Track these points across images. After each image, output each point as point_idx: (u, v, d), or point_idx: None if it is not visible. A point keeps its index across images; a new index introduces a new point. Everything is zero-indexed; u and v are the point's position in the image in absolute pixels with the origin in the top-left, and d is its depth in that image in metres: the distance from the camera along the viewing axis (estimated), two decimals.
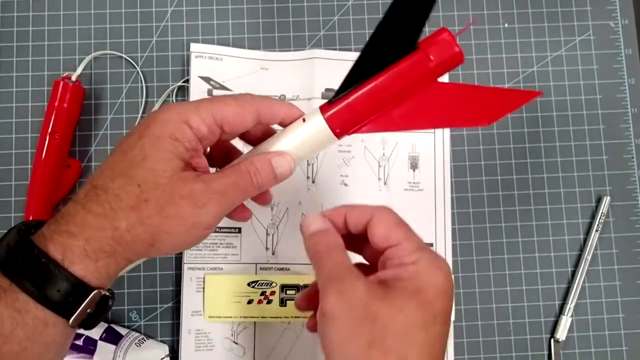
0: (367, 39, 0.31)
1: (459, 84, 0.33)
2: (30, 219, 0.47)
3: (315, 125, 0.32)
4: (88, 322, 0.29)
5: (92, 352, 0.45)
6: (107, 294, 0.29)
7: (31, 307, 0.27)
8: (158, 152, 0.29)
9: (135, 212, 0.28)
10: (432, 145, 0.51)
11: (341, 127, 0.32)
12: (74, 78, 0.48)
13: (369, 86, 0.32)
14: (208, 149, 0.33)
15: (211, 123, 0.30)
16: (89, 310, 0.28)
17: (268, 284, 0.48)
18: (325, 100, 0.33)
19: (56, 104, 0.47)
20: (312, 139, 0.32)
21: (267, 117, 0.32)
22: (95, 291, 0.28)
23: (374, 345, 0.26)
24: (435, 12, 0.53)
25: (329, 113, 0.32)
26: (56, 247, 0.27)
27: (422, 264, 0.28)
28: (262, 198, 0.37)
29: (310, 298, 0.34)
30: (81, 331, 0.45)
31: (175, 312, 0.48)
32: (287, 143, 0.33)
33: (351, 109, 0.32)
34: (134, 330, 0.48)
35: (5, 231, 0.29)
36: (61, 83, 0.47)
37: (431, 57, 0.31)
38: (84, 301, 0.28)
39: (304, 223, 0.32)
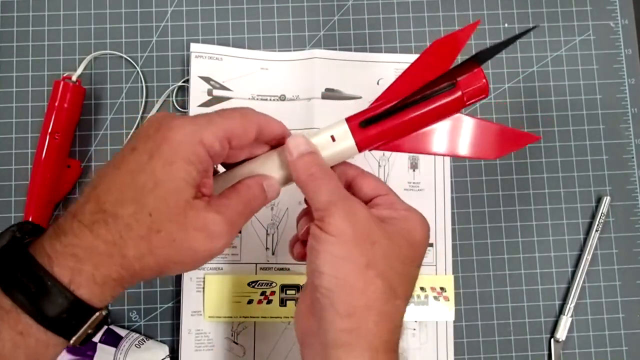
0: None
1: (475, 118, 0.34)
2: (30, 219, 0.47)
3: (346, 146, 0.33)
4: (85, 340, 0.29)
5: (91, 357, 0.45)
6: (106, 312, 0.29)
7: (34, 330, 0.26)
8: (171, 180, 0.27)
9: (145, 242, 0.27)
10: None
11: (366, 147, 0.33)
12: (74, 78, 0.48)
13: (406, 117, 0.33)
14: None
15: (222, 138, 0.29)
16: (89, 331, 0.28)
17: (268, 284, 0.47)
18: (348, 115, 0.34)
19: (56, 104, 0.47)
20: (339, 155, 0.33)
21: (267, 132, 0.32)
22: (98, 313, 0.28)
23: (370, 266, 0.29)
24: (435, 12, 0.53)
25: (361, 135, 0.33)
26: (63, 270, 0.26)
27: (413, 213, 0.32)
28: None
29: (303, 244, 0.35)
30: None
31: (175, 312, 0.48)
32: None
33: (382, 134, 0.33)
34: (133, 330, 0.48)
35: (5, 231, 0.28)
36: (61, 83, 0.47)
37: (465, 98, 0.33)
38: (86, 322, 0.27)
39: (292, 142, 0.31)
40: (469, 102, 0.33)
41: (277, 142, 0.33)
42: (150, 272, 0.28)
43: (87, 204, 0.27)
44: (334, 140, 0.33)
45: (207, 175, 0.29)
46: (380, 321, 0.29)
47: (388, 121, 0.33)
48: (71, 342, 0.28)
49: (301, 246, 0.35)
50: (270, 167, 0.33)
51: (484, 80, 0.33)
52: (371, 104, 0.34)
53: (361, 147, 0.33)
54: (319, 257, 0.29)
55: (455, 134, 0.34)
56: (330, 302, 0.28)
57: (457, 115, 0.34)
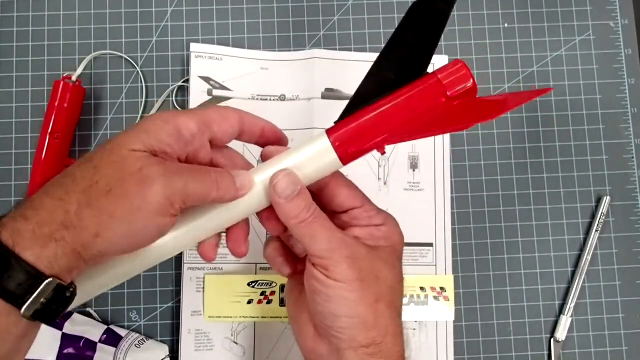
0: (376, 58, 0.31)
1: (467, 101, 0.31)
2: None
3: (320, 146, 0.31)
4: (44, 314, 0.27)
5: (91, 357, 0.45)
6: (64, 284, 0.27)
7: None
8: (124, 137, 0.28)
9: (86, 194, 0.26)
10: (432, 145, 0.51)
11: (346, 149, 0.31)
12: (74, 78, 0.48)
13: (378, 110, 0.30)
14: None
15: (199, 122, 0.30)
16: (42, 300, 0.26)
17: (268, 284, 0.48)
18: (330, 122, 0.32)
19: (56, 104, 0.47)
20: (315, 159, 0.31)
21: (249, 124, 0.32)
22: (49, 280, 0.26)
23: (379, 299, 0.31)
24: None
25: (335, 135, 0.31)
26: (7, 232, 0.25)
27: (390, 224, 0.34)
28: (237, 245, 0.33)
29: (287, 256, 0.35)
30: (80, 333, 0.46)
31: (175, 312, 0.48)
32: (290, 160, 0.31)
33: (358, 131, 0.31)
34: (133, 330, 0.48)
35: None
36: (62, 83, 0.47)
37: (443, 83, 0.30)
38: (36, 290, 0.26)
39: (278, 185, 0.30)
40: (451, 91, 0.30)
41: (265, 142, 0.33)
42: (87, 231, 0.26)
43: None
44: (316, 157, 0.31)
45: (168, 156, 0.29)
46: (395, 341, 0.31)
47: (361, 113, 0.31)
48: (22, 311, 0.26)
49: (289, 264, 0.36)
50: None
51: (461, 67, 0.30)
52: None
53: (339, 147, 0.31)
54: (332, 301, 0.31)
55: (445, 116, 0.31)
56: (348, 337, 0.31)
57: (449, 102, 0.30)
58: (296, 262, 0.36)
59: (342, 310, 0.31)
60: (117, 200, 0.26)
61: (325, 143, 0.31)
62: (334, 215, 0.34)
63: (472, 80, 0.30)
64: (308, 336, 0.33)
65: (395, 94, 0.30)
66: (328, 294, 0.31)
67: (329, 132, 0.31)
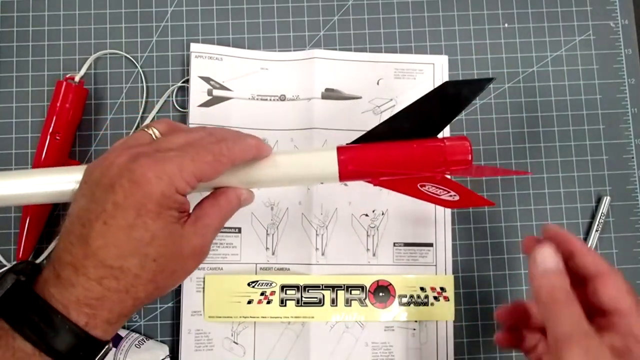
0: (399, 110, 0.37)
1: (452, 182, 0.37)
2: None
3: (327, 154, 0.36)
4: None
5: None
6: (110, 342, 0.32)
7: None
8: (163, 228, 0.30)
9: (153, 283, 0.31)
10: None
11: (346, 165, 0.36)
12: (77, 79, 0.48)
13: (385, 146, 0.36)
14: None
15: (193, 182, 0.31)
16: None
17: (268, 284, 0.48)
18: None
19: (58, 104, 0.47)
20: (316, 163, 0.36)
21: (240, 163, 0.34)
22: (108, 345, 0.31)
23: None
24: (435, 12, 0.53)
25: (342, 150, 0.36)
26: (80, 316, 0.29)
27: None
28: None
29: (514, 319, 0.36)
30: None
31: (175, 312, 0.48)
32: (297, 156, 0.36)
33: (361, 155, 0.36)
34: (133, 330, 0.48)
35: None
36: (64, 84, 0.47)
37: (446, 149, 0.36)
38: (97, 355, 0.30)
39: (538, 256, 0.31)
40: (450, 157, 0.35)
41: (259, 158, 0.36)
42: (153, 299, 0.32)
43: (86, 260, 0.29)
44: (319, 161, 0.36)
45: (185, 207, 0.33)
46: None
47: (370, 145, 0.36)
48: None
49: (509, 339, 0.37)
50: (242, 171, 0.35)
51: (466, 143, 0.36)
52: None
53: (341, 161, 0.35)
54: None
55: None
56: None
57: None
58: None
59: None
60: (180, 277, 0.33)
61: (332, 154, 0.35)
62: (592, 318, 0.32)
63: (470, 156, 0.36)
64: None
65: (404, 141, 0.36)
66: None
67: (339, 148, 0.36)
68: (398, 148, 0.36)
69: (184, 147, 0.32)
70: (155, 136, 0.34)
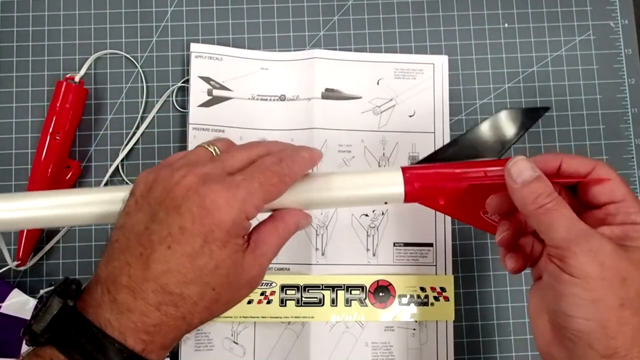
0: (460, 134, 0.39)
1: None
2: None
3: (392, 174, 0.35)
4: None
5: None
6: None
7: None
8: (228, 258, 0.29)
9: (208, 311, 0.30)
10: (432, 145, 0.50)
11: (412, 182, 0.35)
12: (77, 79, 0.48)
13: (451, 165, 0.36)
14: None
15: (261, 207, 0.31)
16: None
17: (268, 284, 0.48)
18: None
19: (58, 104, 0.47)
20: (382, 182, 0.35)
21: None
22: None
23: (625, 306, 0.27)
24: (435, 12, 0.53)
25: (407, 169, 0.36)
26: (137, 344, 0.28)
27: None
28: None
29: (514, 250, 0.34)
30: None
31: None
32: (360, 177, 0.36)
33: (426, 172, 0.36)
34: None
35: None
36: (64, 84, 0.47)
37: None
38: None
39: (513, 168, 0.30)
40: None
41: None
42: (203, 324, 0.31)
43: (145, 283, 0.28)
44: (384, 179, 0.35)
45: None
46: None
47: (433, 165, 0.37)
48: None
49: (515, 258, 0.34)
50: (305, 189, 0.34)
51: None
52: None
53: (409, 189, 0.35)
54: (564, 299, 0.28)
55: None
56: (585, 343, 0.28)
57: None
58: (525, 260, 0.34)
59: (575, 311, 0.28)
60: (234, 305, 0.32)
61: (397, 173, 0.35)
62: (586, 213, 0.32)
63: None
64: (545, 339, 0.31)
65: (467, 162, 0.37)
66: (561, 292, 0.28)
67: (403, 167, 0.36)
68: (461, 164, 0.36)
69: (250, 170, 0.31)
70: (216, 154, 0.33)
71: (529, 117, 0.39)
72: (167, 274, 0.28)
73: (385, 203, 0.36)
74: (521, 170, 0.30)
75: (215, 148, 0.33)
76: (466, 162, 0.36)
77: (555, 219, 0.29)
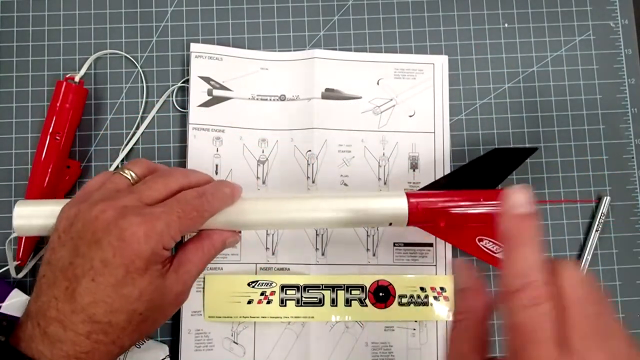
0: (461, 166, 0.47)
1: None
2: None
3: (397, 199, 0.41)
4: None
5: None
6: None
7: None
8: (150, 284, 0.32)
9: (137, 332, 0.32)
10: (432, 145, 0.51)
11: (416, 205, 0.40)
12: (77, 79, 0.48)
13: (451, 192, 0.42)
14: None
15: (178, 238, 0.33)
16: None
17: (268, 284, 0.48)
18: None
19: (58, 104, 0.47)
20: (386, 206, 0.41)
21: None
22: None
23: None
24: (435, 12, 0.53)
25: (410, 194, 0.41)
26: None
27: None
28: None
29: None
30: None
31: (175, 312, 0.48)
32: (365, 200, 0.41)
33: (428, 197, 0.41)
34: None
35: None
36: (64, 84, 0.47)
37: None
38: None
39: (514, 197, 0.29)
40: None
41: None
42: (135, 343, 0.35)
43: (74, 315, 0.30)
44: (388, 203, 0.41)
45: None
46: None
47: (437, 192, 0.42)
48: None
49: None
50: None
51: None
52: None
53: (413, 209, 0.40)
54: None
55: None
56: None
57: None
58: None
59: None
60: (161, 323, 0.36)
61: (403, 199, 0.41)
62: None
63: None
64: None
65: (467, 190, 0.42)
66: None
67: (408, 192, 0.42)
68: (461, 192, 0.41)
69: (171, 202, 0.33)
70: (133, 179, 0.35)
71: (520, 155, 0.47)
72: (94, 304, 0.30)
73: (390, 224, 0.40)
74: (521, 203, 0.30)
75: (132, 173, 0.35)
76: (465, 190, 0.41)
77: (525, 252, 0.28)
